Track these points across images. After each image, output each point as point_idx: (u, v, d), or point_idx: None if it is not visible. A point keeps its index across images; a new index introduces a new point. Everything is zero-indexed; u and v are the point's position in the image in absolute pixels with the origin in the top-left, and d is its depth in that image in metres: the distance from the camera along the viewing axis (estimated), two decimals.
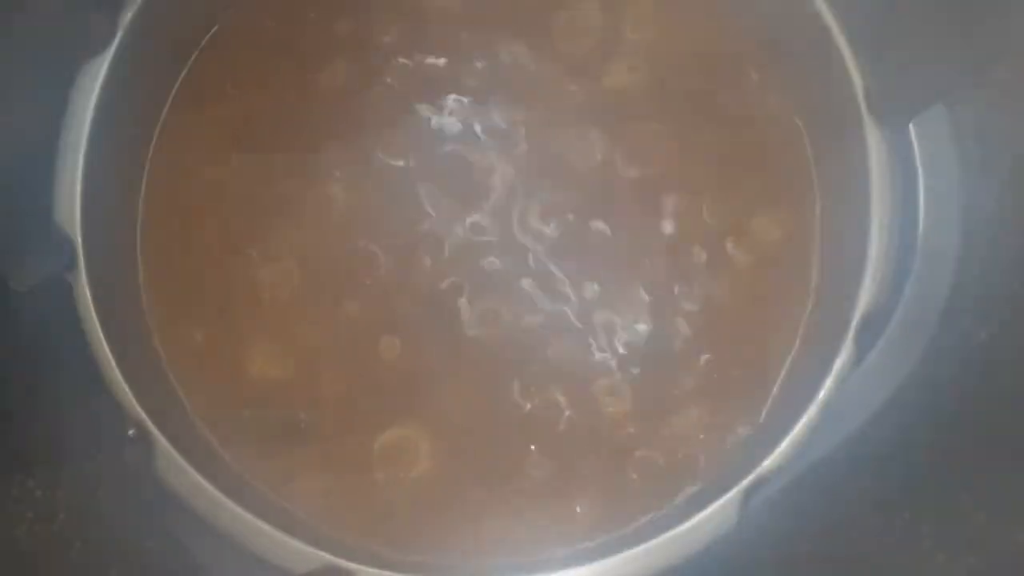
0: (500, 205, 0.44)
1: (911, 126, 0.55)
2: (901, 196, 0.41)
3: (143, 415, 0.39)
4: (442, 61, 0.45)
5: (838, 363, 0.39)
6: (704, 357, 0.42)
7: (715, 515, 0.38)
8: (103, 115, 0.40)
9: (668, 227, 0.43)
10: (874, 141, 0.41)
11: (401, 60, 0.45)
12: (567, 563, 0.39)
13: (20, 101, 0.38)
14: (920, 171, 0.55)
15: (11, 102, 0.39)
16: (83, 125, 0.40)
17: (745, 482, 0.38)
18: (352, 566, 0.38)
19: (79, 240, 0.40)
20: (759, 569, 0.58)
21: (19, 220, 0.41)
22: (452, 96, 0.45)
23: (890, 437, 0.60)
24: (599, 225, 0.43)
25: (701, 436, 0.42)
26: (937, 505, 0.59)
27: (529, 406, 0.42)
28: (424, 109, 0.45)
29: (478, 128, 0.44)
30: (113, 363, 0.39)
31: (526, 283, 0.43)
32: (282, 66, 0.45)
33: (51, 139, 0.40)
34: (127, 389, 0.39)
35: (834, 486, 0.59)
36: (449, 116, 0.44)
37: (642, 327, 0.43)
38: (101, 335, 0.39)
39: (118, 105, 0.41)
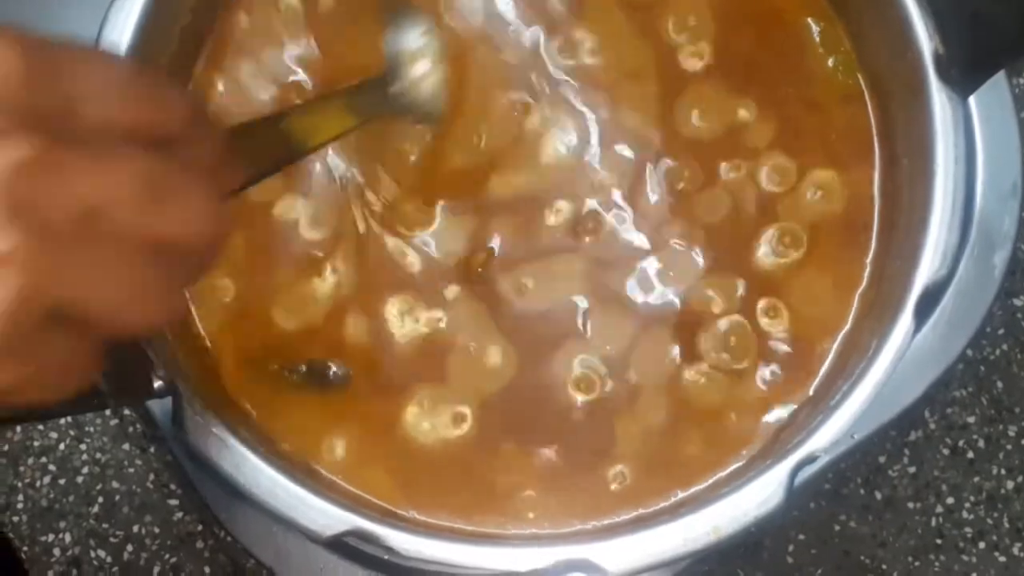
0: (555, 161, 0.42)
1: (972, 98, 0.53)
2: (965, 166, 0.39)
3: (170, 368, 0.37)
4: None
5: (894, 339, 0.37)
6: (755, 328, 0.41)
7: (761, 491, 0.36)
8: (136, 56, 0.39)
9: (720, 191, 0.42)
10: (940, 107, 0.38)
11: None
12: (601, 535, 0.38)
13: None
14: (980, 145, 0.53)
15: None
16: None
17: (792, 458, 0.36)
18: (380, 529, 0.37)
19: None
20: (795, 547, 0.57)
21: None
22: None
23: (935, 418, 0.58)
24: (653, 185, 0.42)
25: (750, 409, 0.40)
26: (981, 490, 0.58)
27: (571, 372, 0.41)
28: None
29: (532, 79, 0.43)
30: None
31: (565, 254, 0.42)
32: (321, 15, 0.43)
33: None
34: (153, 341, 0.38)
35: (876, 465, 0.57)
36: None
37: (689, 297, 0.41)
38: None
39: (151, 46, 0.40)
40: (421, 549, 0.37)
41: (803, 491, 0.55)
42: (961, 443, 0.58)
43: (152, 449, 0.57)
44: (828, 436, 0.37)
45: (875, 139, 0.42)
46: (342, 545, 0.40)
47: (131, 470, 0.57)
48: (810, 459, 0.37)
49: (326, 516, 0.37)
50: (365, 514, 0.37)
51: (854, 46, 0.42)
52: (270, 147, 0.35)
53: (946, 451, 0.58)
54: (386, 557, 0.42)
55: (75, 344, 0.27)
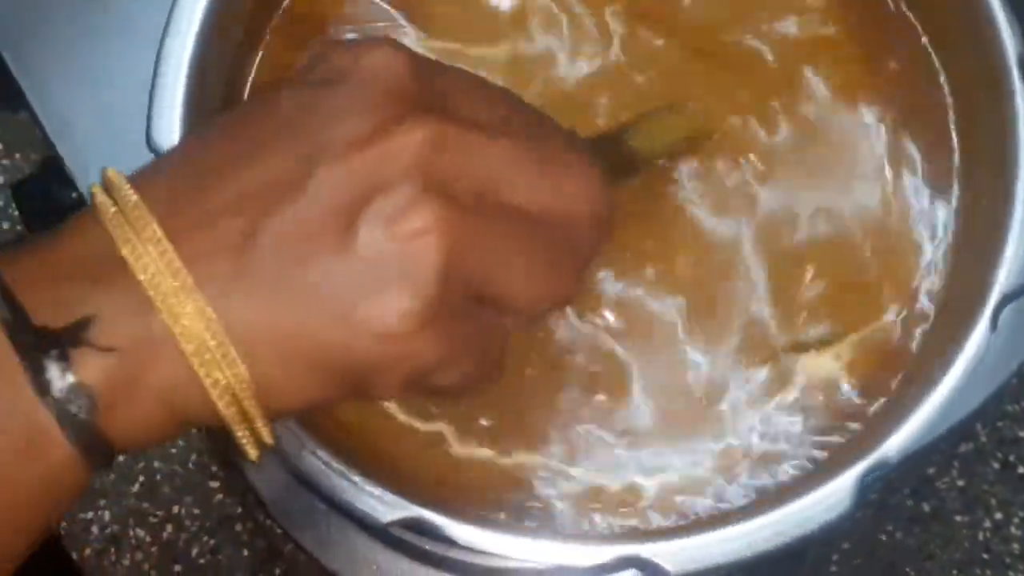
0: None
1: None
2: None
3: None
4: None
5: (969, 345, 0.37)
6: (828, 331, 0.40)
7: (828, 496, 0.36)
8: (207, 30, 0.39)
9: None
10: None
11: None
12: (665, 535, 0.37)
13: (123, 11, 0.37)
14: None
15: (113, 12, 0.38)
16: (187, 39, 0.38)
17: (862, 464, 0.36)
18: (440, 519, 0.36)
19: None
20: (839, 556, 0.56)
21: (116, 138, 0.40)
22: None
23: (986, 431, 0.57)
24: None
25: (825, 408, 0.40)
26: None
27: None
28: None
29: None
30: None
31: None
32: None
33: (153, 54, 0.38)
34: None
35: (925, 476, 0.57)
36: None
37: (757, 309, 0.41)
38: None
39: (223, 20, 0.39)
40: (480, 540, 0.36)
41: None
42: (1012, 458, 0.57)
43: (195, 429, 0.56)
44: (900, 442, 0.36)
45: (955, 141, 0.41)
46: (388, 534, 0.40)
47: (173, 450, 0.56)
48: (881, 465, 0.36)
49: (385, 503, 0.36)
50: (426, 503, 0.36)
51: (938, 47, 0.41)
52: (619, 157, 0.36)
53: (996, 465, 0.57)
54: (427, 547, 0.42)
55: (490, 325, 0.28)
